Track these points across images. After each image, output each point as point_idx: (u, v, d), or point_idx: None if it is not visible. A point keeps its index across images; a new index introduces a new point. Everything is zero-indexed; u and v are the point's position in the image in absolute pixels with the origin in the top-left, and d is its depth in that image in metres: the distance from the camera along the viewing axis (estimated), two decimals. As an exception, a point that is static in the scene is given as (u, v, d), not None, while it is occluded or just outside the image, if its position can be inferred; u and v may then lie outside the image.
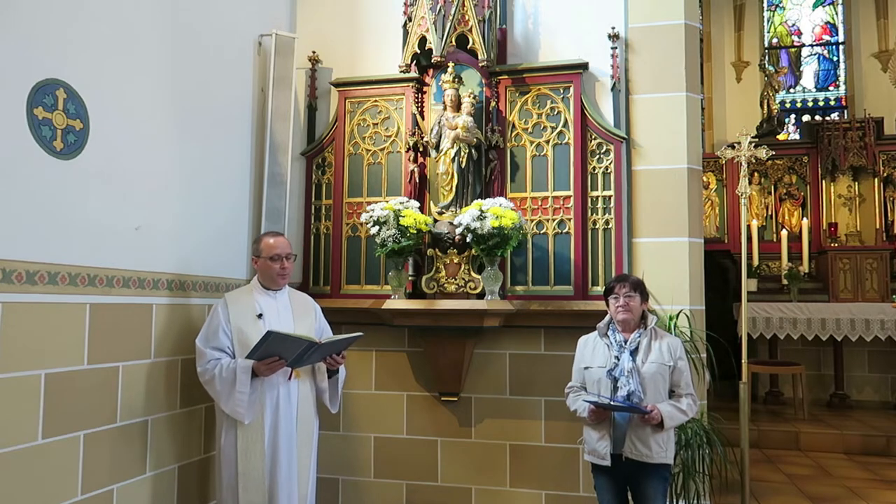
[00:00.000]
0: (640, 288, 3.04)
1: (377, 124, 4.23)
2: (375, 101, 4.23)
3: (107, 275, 2.90)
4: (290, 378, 3.10)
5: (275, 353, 2.88)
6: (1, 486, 2.41)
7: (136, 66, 3.10)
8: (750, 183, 4.29)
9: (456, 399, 4.05)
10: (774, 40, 10.44)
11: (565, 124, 3.96)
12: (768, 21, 10.43)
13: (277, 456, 3.05)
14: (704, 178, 8.12)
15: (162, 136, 3.28)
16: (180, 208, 3.40)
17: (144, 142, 3.15)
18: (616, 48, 3.93)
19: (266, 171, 3.98)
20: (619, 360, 2.94)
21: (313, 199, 4.34)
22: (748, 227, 4.42)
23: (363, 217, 3.88)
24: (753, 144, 4.20)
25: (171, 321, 3.31)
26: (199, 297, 3.53)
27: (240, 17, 3.93)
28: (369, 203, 4.01)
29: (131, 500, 3.04)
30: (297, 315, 3.24)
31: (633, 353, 2.95)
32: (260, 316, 3.10)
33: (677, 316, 3.68)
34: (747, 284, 4.35)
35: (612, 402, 2.85)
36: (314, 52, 4.37)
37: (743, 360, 4.14)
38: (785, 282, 7.76)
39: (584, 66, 3.97)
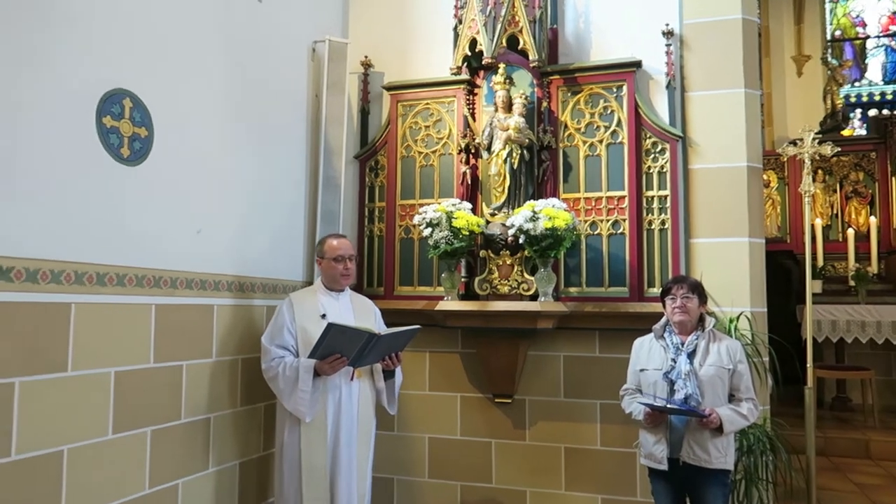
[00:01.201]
0: (698, 289, 3.00)
1: (429, 127, 4.27)
2: (427, 103, 4.27)
3: (171, 276, 3.02)
4: (351, 378, 3.17)
5: (336, 348, 2.94)
6: (75, 479, 2.53)
7: (196, 74, 3.22)
8: (813, 181, 4.16)
9: (510, 401, 4.05)
10: (837, 32, 10.08)
11: (619, 123, 3.92)
12: (830, 13, 10.07)
13: (338, 454, 3.12)
14: (765, 177, 7.89)
15: (221, 141, 3.39)
16: (239, 212, 3.51)
17: (205, 148, 3.27)
18: (670, 45, 3.87)
19: (321, 175, 4.07)
20: (675, 362, 2.89)
21: (367, 201, 4.40)
22: (812, 226, 4.28)
23: (416, 219, 3.92)
24: (817, 141, 4.08)
25: (231, 322, 3.42)
26: (259, 299, 3.63)
27: (294, 24, 4.03)
28: (422, 205, 4.04)
29: (195, 495, 3.15)
30: (359, 316, 3.32)
31: (691, 355, 2.90)
32: (323, 316, 3.16)
33: (737, 318, 3.60)
34: (811, 286, 4.21)
35: (668, 405, 2.80)
36: (366, 57, 4.44)
37: (808, 364, 4.01)
38: (852, 283, 7.47)
39: (638, 65, 3.92)
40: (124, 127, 2.78)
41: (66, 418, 2.51)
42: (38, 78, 2.43)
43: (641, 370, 3.02)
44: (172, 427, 3.02)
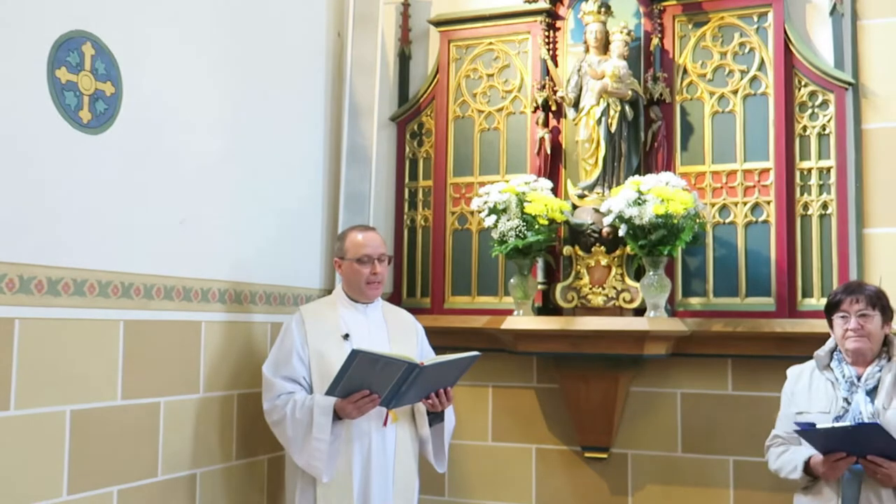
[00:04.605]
0: (880, 303, 2.92)
1: (492, 76, 4.26)
2: (490, 43, 4.26)
3: (144, 283, 3.07)
4: (385, 423, 3.17)
5: (363, 384, 2.95)
6: (19, 554, 2.59)
7: (179, 10, 3.27)
8: None
9: (606, 456, 4.03)
10: None
11: (761, 67, 3.85)
12: None
13: (369, 525, 3.15)
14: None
15: (213, 100, 3.44)
16: (236, 196, 3.56)
17: (192, 108, 3.32)
18: (837, -46, 3.78)
19: (344, 145, 4.10)
20: (849, 402, 2.84)
21: (407, 179, 4.43)
22: None
23: (475, 203, 3.93)
24: None
25: (224, 343, 3.47)
26: (261, 313, 3.68)
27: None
28: (483, 184, 4.04)
29: (176, 579, 3.21)
30: (395, 337, 3.34)
31: (871, 393, 2.85)
32: (346, 337, 3.19)
33: (933, 342, 3.49)
34: None
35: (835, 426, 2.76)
36: (407, -19, 4.46)
37: None
38: None
39: (790, -17, 3.84)
40: (84, 82, 2.83)
41: (8, 475, 2.56)
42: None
43: (799, 413, 2.96)
44: (146, 486, 3.06)
